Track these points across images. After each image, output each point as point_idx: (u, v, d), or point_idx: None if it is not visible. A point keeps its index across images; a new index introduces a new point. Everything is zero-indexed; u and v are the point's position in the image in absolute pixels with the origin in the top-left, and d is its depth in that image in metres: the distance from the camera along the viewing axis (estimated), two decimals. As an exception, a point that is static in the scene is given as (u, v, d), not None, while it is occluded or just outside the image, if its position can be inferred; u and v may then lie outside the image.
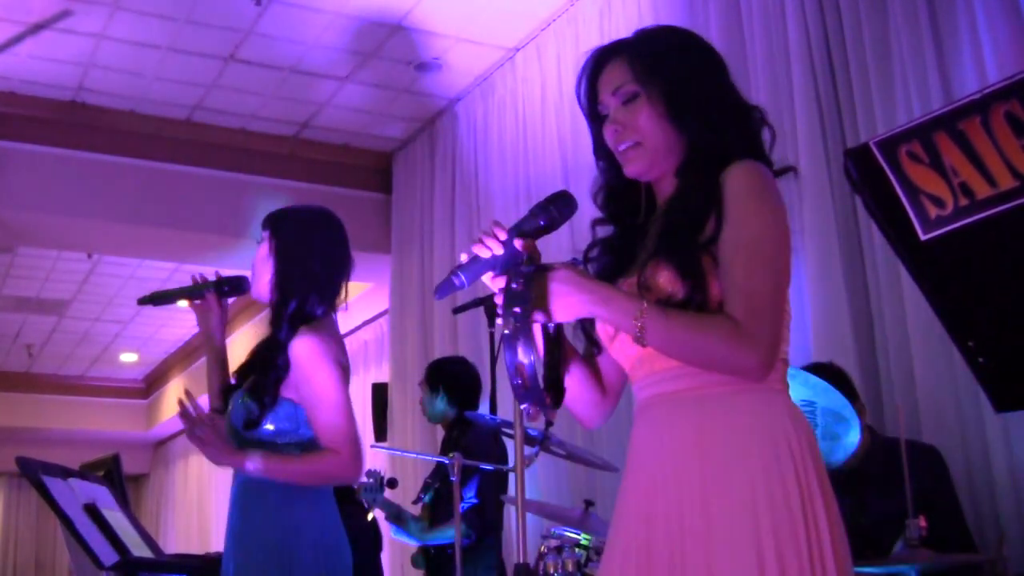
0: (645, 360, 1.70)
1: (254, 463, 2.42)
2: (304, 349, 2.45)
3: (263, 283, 2.60)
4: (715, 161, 1.68)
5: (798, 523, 1.54)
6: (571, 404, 1.84)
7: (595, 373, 1.86)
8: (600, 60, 1.80)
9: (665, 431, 1.66)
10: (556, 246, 5.00)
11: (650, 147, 1.75)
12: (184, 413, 2.46)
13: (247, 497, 2.50)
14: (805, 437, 1.62)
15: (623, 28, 4.91)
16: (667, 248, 1.65)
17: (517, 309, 1.59)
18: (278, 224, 2.63)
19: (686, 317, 1.59)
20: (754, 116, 1.77)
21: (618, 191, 1.87)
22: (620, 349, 1.75)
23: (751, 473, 1.57)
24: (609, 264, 1.83)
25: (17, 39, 5.39)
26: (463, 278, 1.69)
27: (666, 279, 1.63)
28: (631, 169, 1.79)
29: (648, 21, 4.76)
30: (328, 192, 6.53)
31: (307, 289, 2.54)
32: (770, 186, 1.65)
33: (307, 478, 2.45)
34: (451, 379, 4.35)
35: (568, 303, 1.63)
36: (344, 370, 2.51)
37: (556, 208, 1.76)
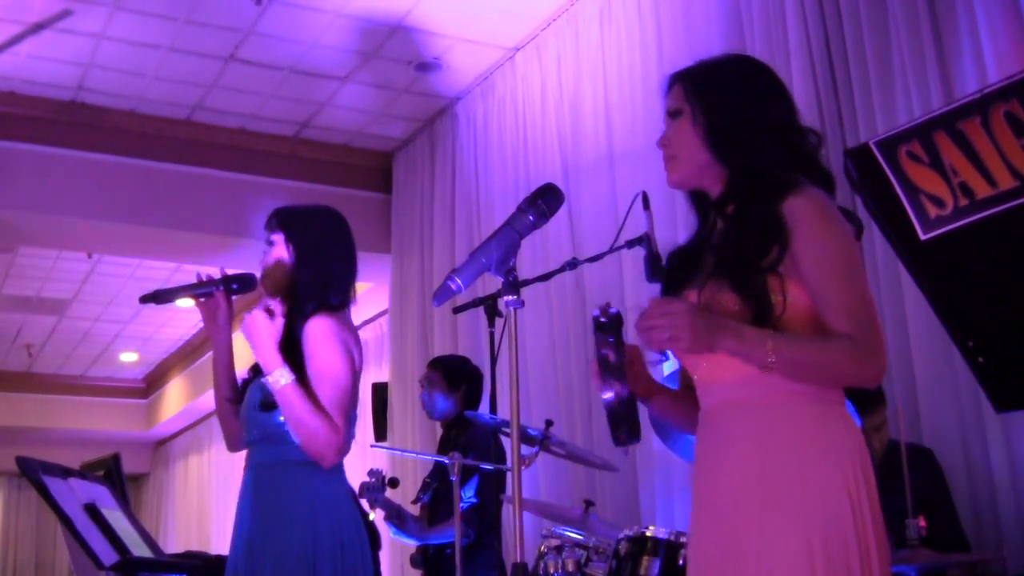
0: (710, 369, 1.77)
1: (284, 376, 2.42)
2: (317, 328, 2.49)
3: (279, 284, 2.61)
4: (772, 188, 1.75)
5: (848, 529, 1.62)
6: (675, 424, 1.99)
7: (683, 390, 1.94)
8: (668, 85, 1.90)
9: (727, 440, 1.74)
10: (556, 244, 5.01)
11: (684, 160, 1.83)
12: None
13: (269, 478, 2.51)
14: (858, 451, 1.70)
15: (623, 28, 4.91)
16: (732, 276, 1.72)
17: (613, 392, 1.72)
18: (292, 225, 2.63)
19: (808, 342, 1.69)
20: (809, 142, 1.84)
21: (693, 197, 1.94)
22: (686, 357, 1.82)
23: (808, 486, 1.64)
24: (673, 273, 1.90)
25: (17, 39, 5.39)
26: (459, 282, 1.69)
27: (733, 302, 1.70)
28: (669, 179, 1.86)
29: (648, 21, 4.76)
30: (328, 192, 6.52)
31: (324, 290, 2.58)
32: (836, 210, 1.76)
33: (306, 424, 2.42)
34: (470, 379, 4.35)
35: (702, 337, 1.66)
36: (352, 357, 2.52)
37: (544, 202, 1.76)
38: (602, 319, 1.73)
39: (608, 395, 1.74)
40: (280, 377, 2.43)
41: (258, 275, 2.70)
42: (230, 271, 2.81)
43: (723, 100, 1.82)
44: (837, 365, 1.67)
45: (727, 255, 1.74)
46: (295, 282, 2.58)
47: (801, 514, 1.63)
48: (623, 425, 1.74)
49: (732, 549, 1.67)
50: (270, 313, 2.49)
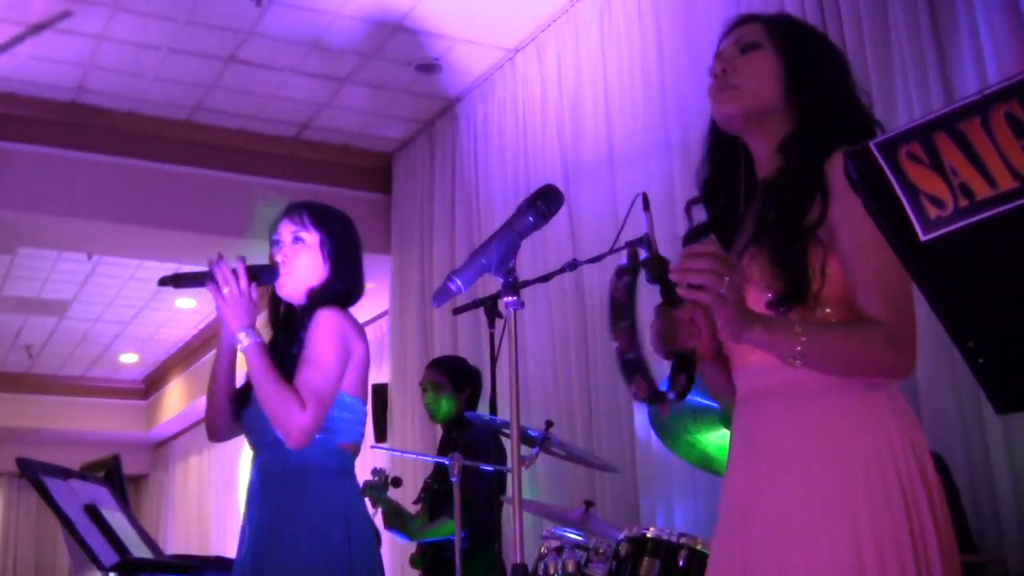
0: (740, 352, 1.66)
1: (250, 336, 2.39)
2: (324, 317, 2.47)
3: (306, 289, 2.56)
4: (822, 144, 1.62)
5: (900, 523, 1.50)
6: (714, 389, 1.82)
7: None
8: (737, 23, 1.78)
9: (760, 428, 1.63)
10: (556, 244, 5.00)
11: (748, 93, 1.69)
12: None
13: (281, 484, 2.47)
14: (907, 432, 1.57)
15: (623, 28, 4.91)
16: (771, 240, 1.57)
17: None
18: (329, 229, 2.58)
19: (841, 332, 1.55)
20: (867, 117, 1.72)
21: (720, 168, 1.79)
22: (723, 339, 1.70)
23: (850, 474, 1.53)
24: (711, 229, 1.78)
25: (17, 39, 5.39)
26: (459, 283, 1.68)
27: (761, 273, 1.57)
28: (722, 110, 1.71)
29: (648, 21, 4.76)
30: (328, 192, 6.52)
31: (346, 299, 2.57)
32: None
33: (272, 397, 2.37)
34: (473, 380, 4.35)
35: (735, 316, 1.49)
36: (348, 353, 2.48)
37: (544, 203, 1.76)
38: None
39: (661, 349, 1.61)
40: (244, 338, 2.40)
41: (281, 269, 2.55)
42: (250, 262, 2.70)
43: (807, 44, 1.73)
44: (867, 357, 1.54)
45: (770, 215, 1.60)
46: (326, 289, 2.55)
47: (846, 500, 1.50)
48: (639, 375, 1.64)
49: (774, 548, 1.56)
50: (235, 274, 2.44)
